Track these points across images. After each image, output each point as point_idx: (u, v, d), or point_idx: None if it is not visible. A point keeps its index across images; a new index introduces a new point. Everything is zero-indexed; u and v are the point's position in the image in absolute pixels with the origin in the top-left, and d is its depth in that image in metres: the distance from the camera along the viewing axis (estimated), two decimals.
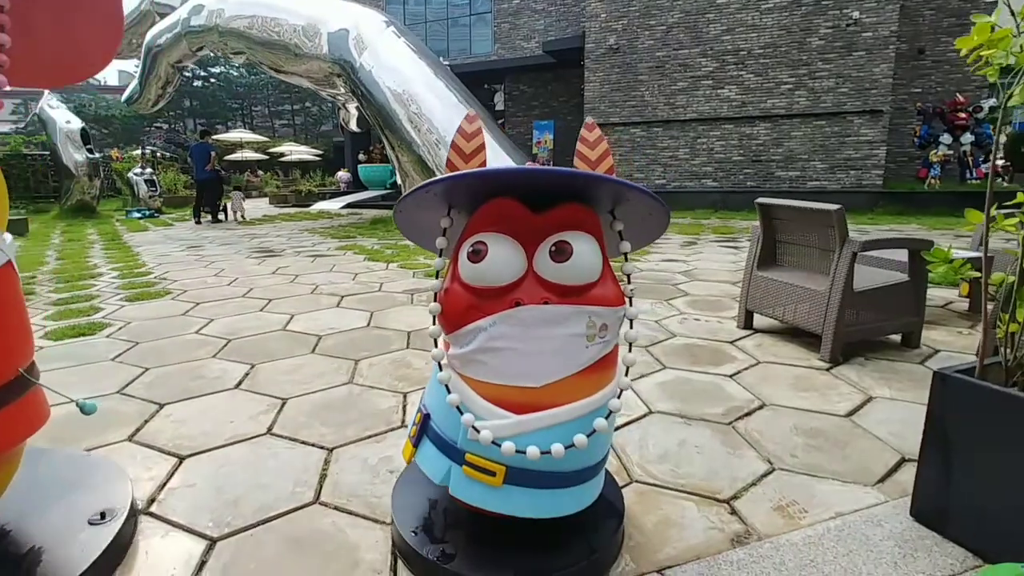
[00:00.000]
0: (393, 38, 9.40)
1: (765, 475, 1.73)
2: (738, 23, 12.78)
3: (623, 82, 14.09)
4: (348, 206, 14.79)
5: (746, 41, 12.79)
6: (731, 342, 2.99)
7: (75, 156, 11.21)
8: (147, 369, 2.60)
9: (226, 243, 7.52)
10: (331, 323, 3.37)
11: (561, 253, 1.17)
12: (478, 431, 1.17)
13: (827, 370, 2.58)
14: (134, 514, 1.52)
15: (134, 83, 10.34)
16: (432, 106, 9.14)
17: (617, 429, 2.02)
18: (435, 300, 1.26)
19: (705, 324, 3.32)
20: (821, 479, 1.70)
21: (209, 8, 9.27)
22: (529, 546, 1.32)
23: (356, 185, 19.34)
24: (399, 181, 10.64)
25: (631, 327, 1.26)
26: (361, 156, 20.03)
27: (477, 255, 1.19)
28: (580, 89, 15.14)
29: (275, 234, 8.62)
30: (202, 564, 1.36)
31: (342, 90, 10.07)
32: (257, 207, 14.67)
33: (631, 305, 1.26)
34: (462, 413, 1.21)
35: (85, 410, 1.42)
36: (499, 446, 1.16)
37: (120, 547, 1.40)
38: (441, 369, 1.25)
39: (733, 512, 1.55)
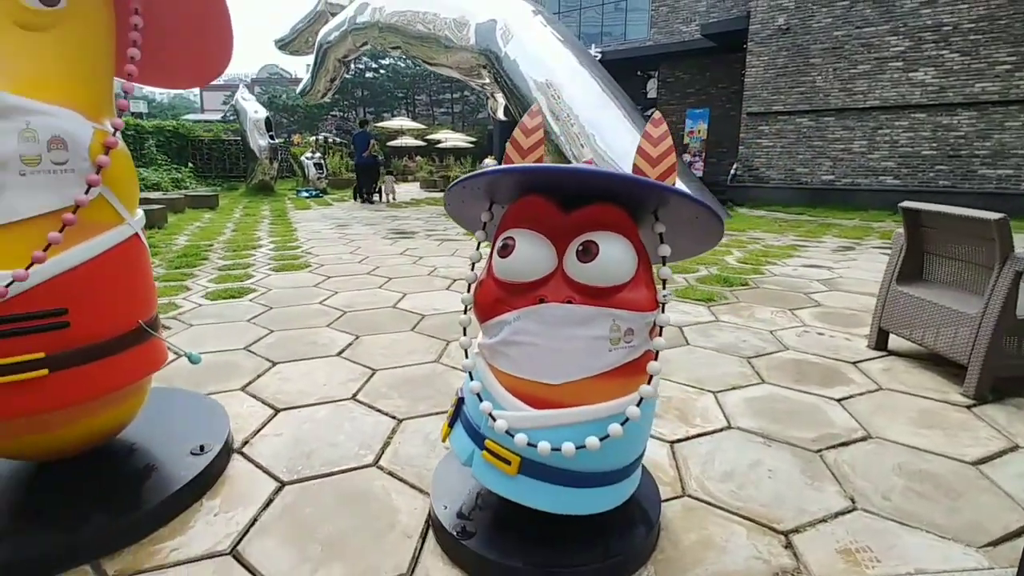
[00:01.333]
0: (540, 27, 9.51)
1: (841, 513, 1.53)
2: None
3: (791, 66, 12.88)
4: None
5: (952, 14, 10.96)
6: (853, 363, 2.65)
7: (259, 141, 12.98)
8: (272, 331, 2.98)
9: (370, 223, 8.24)
10: (436, 304, 3.57)
11: (587, 253, 1.15)
12: (494, 419, 1.20)
13: (968, 408, 2.19)
14: (228, 451, 1.77)
15: (307, 77, 11.66)
16: (574, 96, 9.12)
17: (685, 440, 1.92)
18: (468, 291, 1.30)
19: (828, 340, 2.97)
20: (911, 529, 1.47)
21: (372, 6, 10.12)
22: (547, 538, 1.32)
23: None
24: None
25: (660, 334, 1.19)
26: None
27: (506, 250, 1.20)
28: (741, 75, 14.12)
29: (415, 217, 9.25)
30: (269, 502, 1.55)
31: (487, 80, 10.44)
32: (408, 191, 15.79)
33: (663, 312, 1.18)
34: (481, 400, 1.24)
35: (192, 359, 1.69)
36: (512, 436, 1.18)
37: (210, 476, 1.64)
38: (467, 356, 1.30)
39: (788, 546, 1.41)
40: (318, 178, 14.40)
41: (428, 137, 30.12)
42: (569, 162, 9.18)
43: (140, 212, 1.59)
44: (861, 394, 2.30)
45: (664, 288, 1.20)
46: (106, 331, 1.44)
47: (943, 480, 1.70)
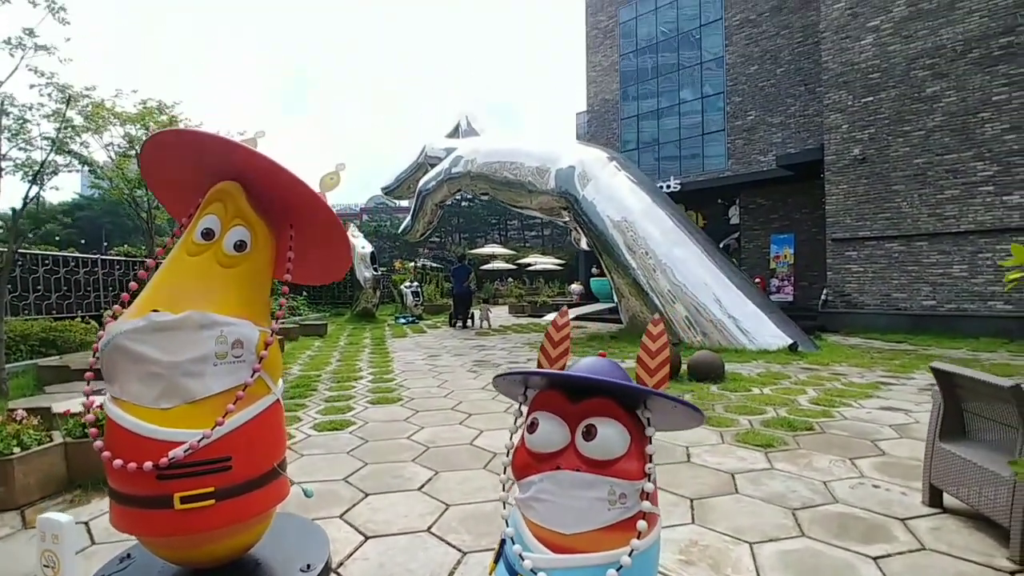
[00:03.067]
0: (614, 171, 10.47)
1: None
2: None
3: (873, 193, 12.99)
4: (576, 319, 15.91)
5: None
6: (902, 519, 2.71)
7: (365, 273, 14.68)
8: (366, 464, 3.50)
9: (458, 354, 8.94)
10: (509, 442, 3.95)
11: (589, 434, 1.56)
12: (523, 559, 1.57)
13: (1012, 574, 2.21)
14: (327, 571, 2.22)
15: (408, 219, 13.30)
16: (649, 233, 9.76)
17: None
18: (507, 455, 1.74)
19: (883, 493, 3.03)
20: None
21: (465, 158, 11.65)
22: None
23: (588, 297, 20.70)
24: (615, 300, 11.33)
25: (648, 499, 1.55)
26: (594, 270, 21.44)
27: (532, 427, 1.65)
28: (822, 202, 14.31)
29: (500, 346, 9.89)
30: None
31: (567, 218, 11.40)
32: (497, 316, 16.73)
33: (649, 481, 1.55)
34: (514, 543, 1.62)
35: (307, 494, 2.21)
36: (536, 574, 1.54)
37: None
38: (504, 507, 1.70)
39: None
40: (415, 305, 15.79)
41: (519, 261, 31.88)
42: (647, 292, 9.62)
43: (281, 382, 2.22)
44: (900, 553, 2.38)
45: (650, 462, 1.57)
46: (254, 471, 1.99)
47: None
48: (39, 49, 5.14)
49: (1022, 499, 2.28)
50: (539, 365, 1.94)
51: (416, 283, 16.76)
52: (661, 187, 18.46)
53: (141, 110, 7.11)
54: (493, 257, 30.80)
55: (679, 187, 19.01)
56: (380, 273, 15.85)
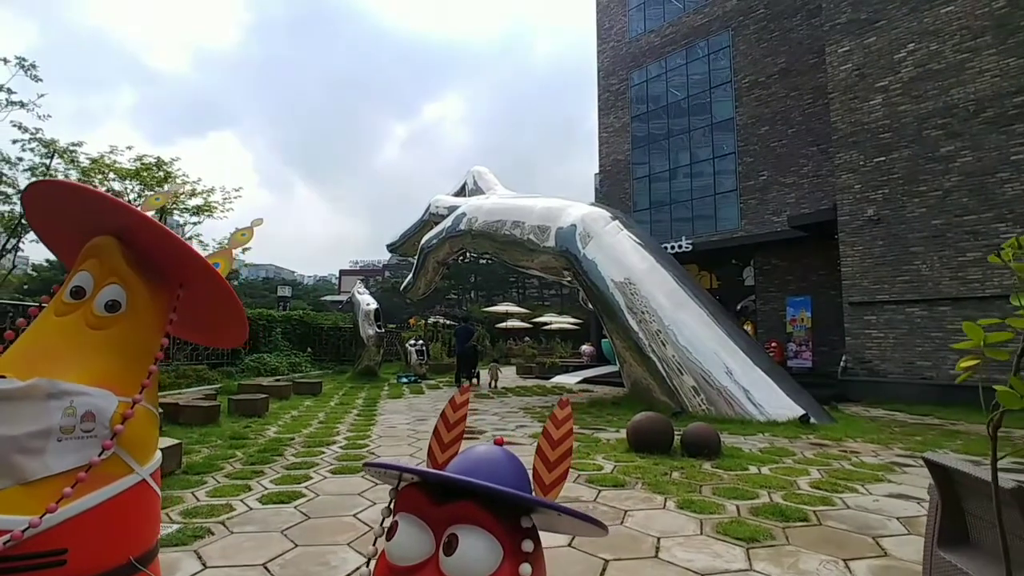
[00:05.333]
0: (616, 230, 10.27)
1: None
2: None
3: (890, 255, 12.53)
4: (584, 381, 15.42)
5: None
6: None
7: (368, 331, 14.50)
8: (296, 546, 3.14)
9: None
10: None
11: (449, 546, 1.25)
12: None
13: None
14: None
15: (410, 276, 13.20)
16: (652, 294, 9.44)
17: None
18: (367, 565, 1.42)
19: None
20: None
21: (468, 216, 11.62)
22: None
23: (599, 358, 20.17)
24: (618, 364, 10.90)
25: None
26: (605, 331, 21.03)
27: (391, 531, 1.34)
28: (837, 264, 13.89)
29: (494, 410, 9.46)
30: None
31: (568, 278, 11.17)
32: (505, 376, 16.31)
33: None
34: None
35: None
36: None
37: None
38: None
39: None
40: (419, 363, 15.49)
41: (534, 320, 31.58)
42: (649, 357, 9.18)
43: (157, 455, 1.95)
44: None
45: None
46: (98, 566, 1.70)
47: None
48: (11, 105, 5.27)
49: None
50: (430, 449, 1.65)
51: (421, 341, 16.53)
52: (673, 247, 18.26)
53: (138, 166, 7.23)
54: (508, 315, 30.60)
55: (691, 247, 18.76)
56: (384, 331, 15.66)
